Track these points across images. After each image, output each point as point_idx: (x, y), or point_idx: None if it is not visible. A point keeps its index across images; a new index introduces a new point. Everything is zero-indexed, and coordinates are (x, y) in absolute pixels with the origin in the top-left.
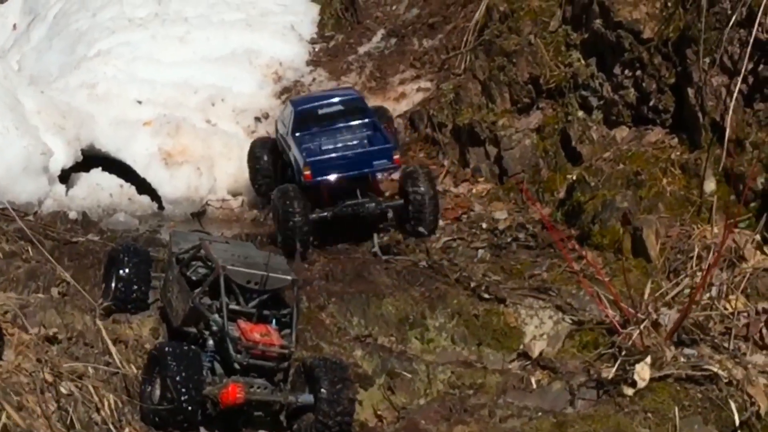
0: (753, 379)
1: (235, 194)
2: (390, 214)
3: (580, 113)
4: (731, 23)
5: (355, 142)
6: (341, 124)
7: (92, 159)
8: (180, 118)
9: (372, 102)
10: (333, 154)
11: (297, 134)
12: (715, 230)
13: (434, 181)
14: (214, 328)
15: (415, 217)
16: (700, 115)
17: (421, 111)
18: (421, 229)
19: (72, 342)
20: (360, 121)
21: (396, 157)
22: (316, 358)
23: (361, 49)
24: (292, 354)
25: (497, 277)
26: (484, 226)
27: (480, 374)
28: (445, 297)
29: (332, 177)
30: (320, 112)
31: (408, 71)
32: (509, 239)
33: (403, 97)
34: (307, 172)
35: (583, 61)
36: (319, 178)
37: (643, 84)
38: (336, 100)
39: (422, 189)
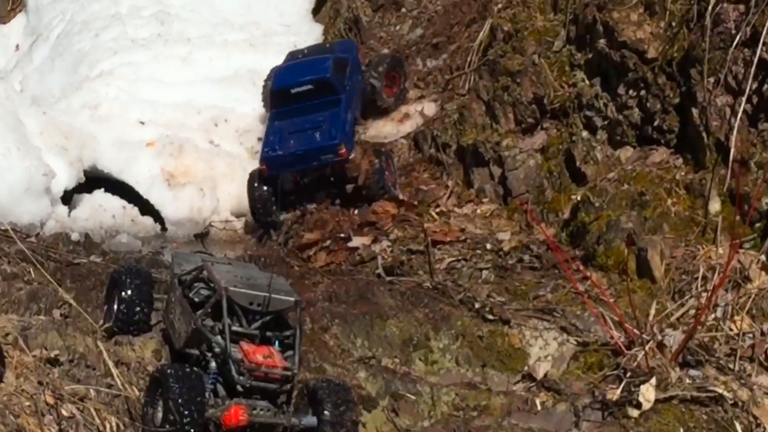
0: (758, 400)
1: (238, 215)
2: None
3: (585, 133)
4: (735, 43)
5: (315, 127)
6: (310, 102)
7: (95, 180)
8: (183, 139)
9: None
10: (285, 151)
11: (273, 110)
12: (720, 251)
13: (380, 158)
14: (217, 349)
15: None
16: (704, 135)
17: (425, 131)
18: (373, 195)
19: (73, 364)
20: (327, 99)
21: (342, 151)
22: (320, 380)
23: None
24: (296, 376)
25: (501, 298)
26: (489, 247)
27: (484, 396)
28: (449, 318)
29: (285, 171)
30: (293, 91)
31: (412, 92)
32: (514, 260)
33: (407, 118)
34: (264, 167)
35: (587, 81)
36: (274, 172)
37: (648, 104)
38: (308, 78)
39: (368, 167)
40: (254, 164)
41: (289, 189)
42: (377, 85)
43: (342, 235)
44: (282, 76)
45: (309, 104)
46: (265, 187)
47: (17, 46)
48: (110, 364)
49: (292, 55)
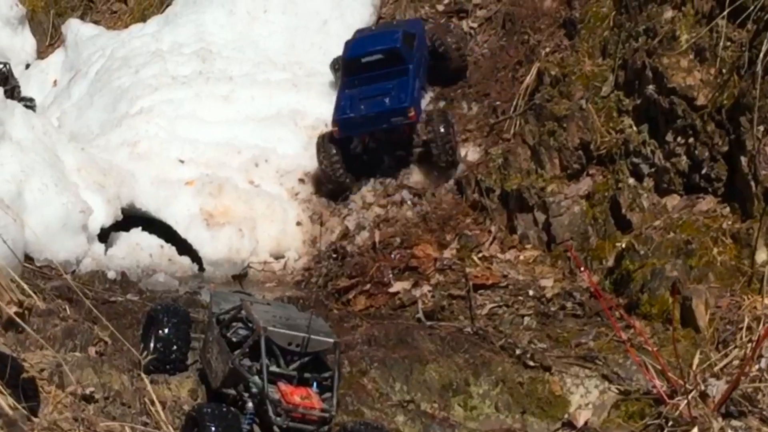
0: None
1: (277, 257)
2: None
3: (631, 180)
4: None
5: (384, 93)
6: (380, 71)
7: (132, 218)
8: (223, 179)
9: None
10: (356, 113)
11: (345, 79)
12: (766, 301)
13: (448, 120)
14: (254, 390)
15: (434, 153)
16: (752, 183)
17: (468, 176)
18: (440, 163)
19: (109, 401)
20: (396, 69)
21: (411, 114)
22: (357, 423)
23: None
24: (333, 418)
25: (543, 344)
26: (531, 293)
27: None
28: (490, 364)
29: (356, 132)
30: (363, 60)
31: (456, 135)
32: (556, 307)
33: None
34: (336, 128)
35: (635, 128)
36: (345, 133)
37: (696, 151)
38: (379, 48)
39: (436, 129)
40: (294, 206)
41: (357, 153)
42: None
43: (384, 279)
44: (354, 46)
45: (378, 73)
46: (333, 150)
47: (55, 82)
48: (153, 396)
49: (360, 32)
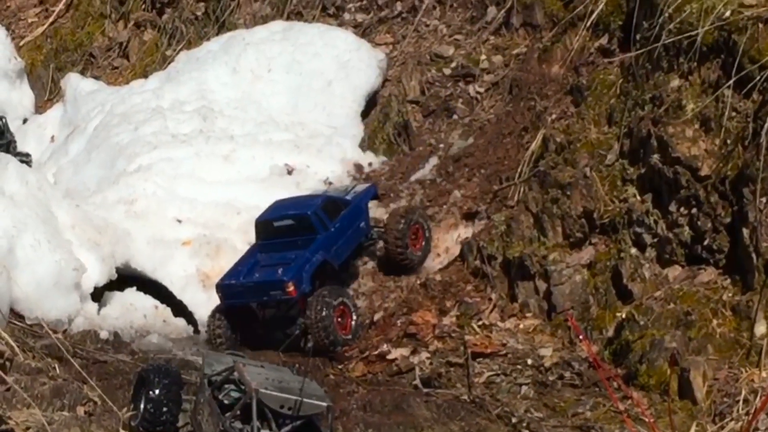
0: None
1: None
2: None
3: (633, 250)
4: None
5: (285, 263)
6: (290, 238)
7: (127, 278)
8: (221, 240)
9: None
10: (237, 281)
11: (259, 241)
12: (764, 374)
13: (331, 304)
14: None
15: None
16: (754, 256)
17: (471, 242)
18: (309, 345)
19: None
20: (305, 237)
21: (289, 289)
22: None
23: (413, 176)
24: None
25: (539, 414)
26: (530, 362)
27: None
28: None
29: (238, 302)
30: (275, 224)
31: (459, 201)
32: (554, 377)
33: (453, 227)
34: (219, 294)
35: (638, 197)
36: (227, 302)
37: (699, 222)
38: (290, 213)
39: (315, 312)
40: None
41: (251, 323)
42: (401, 244)
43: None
44: (273, 208)
45: (288, 240)
46: (220, 319)
47: (53, 137)
48: None
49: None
